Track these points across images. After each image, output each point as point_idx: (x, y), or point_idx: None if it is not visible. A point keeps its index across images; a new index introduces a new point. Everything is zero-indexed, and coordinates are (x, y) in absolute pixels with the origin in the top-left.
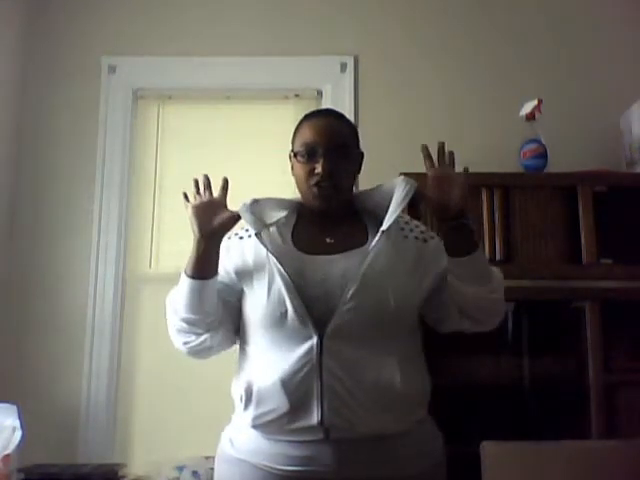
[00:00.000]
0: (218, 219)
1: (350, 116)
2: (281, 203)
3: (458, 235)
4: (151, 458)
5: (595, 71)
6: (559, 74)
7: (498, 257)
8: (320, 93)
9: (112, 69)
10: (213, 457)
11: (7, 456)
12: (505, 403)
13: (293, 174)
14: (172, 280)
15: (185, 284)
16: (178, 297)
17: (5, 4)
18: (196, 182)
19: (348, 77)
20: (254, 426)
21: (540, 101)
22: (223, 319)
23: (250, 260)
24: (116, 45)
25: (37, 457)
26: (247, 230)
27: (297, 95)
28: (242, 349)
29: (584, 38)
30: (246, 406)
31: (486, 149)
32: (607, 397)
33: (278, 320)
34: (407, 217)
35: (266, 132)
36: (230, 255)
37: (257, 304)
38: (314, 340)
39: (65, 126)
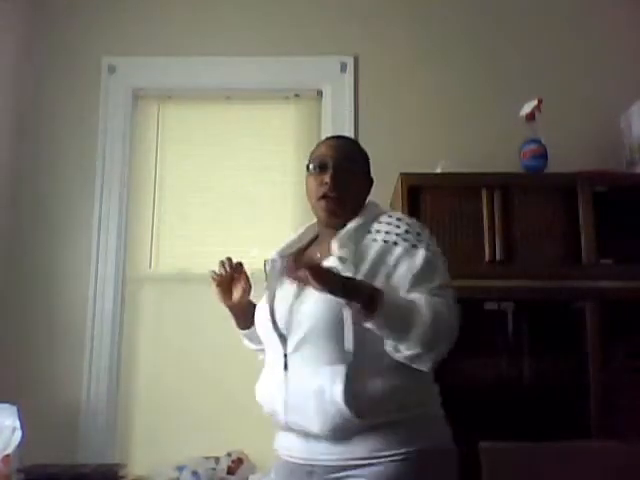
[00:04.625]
0: (235, 294)
1: (350, 116)
2: (303, 236)
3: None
4: (151, 458)
5: (595, 71)
6: (559, 74)
7: (498, 257)
8: (320, 93)
9: (112, 69)
10: (213, 457)
11: (7, 456)
12: (505, 403)
13: (307, 193)
14: (172, 280)
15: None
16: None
17: (5, 4)
18: (221, 263)
19: (348, 77)
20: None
21: (540, 101)
22: None
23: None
24: (116, 45)
25: (37, 457)
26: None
27: (297, 95)
28: None
29: (584, 38)
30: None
31: (486, 149)
32: (607, 397)
33: (262, 335)
34: (395, 218)
35: (266, 132)
36: None
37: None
38: (282, 357)
39: (65, 126)
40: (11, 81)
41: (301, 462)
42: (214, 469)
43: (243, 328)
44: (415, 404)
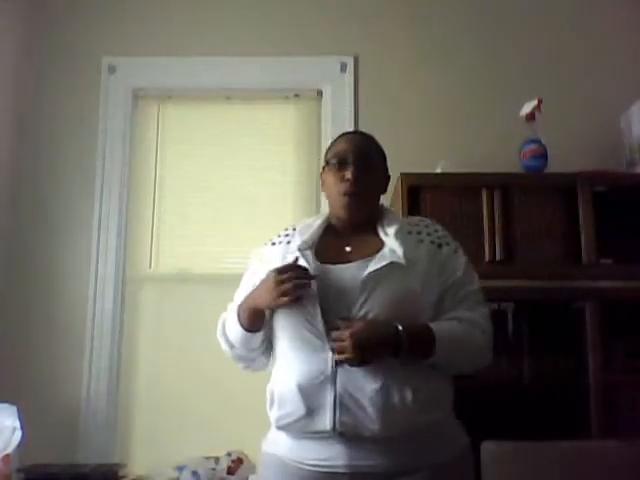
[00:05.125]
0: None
1: (350, 116)
2: (314, 224)
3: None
4: (151, 458)
5: (595, 71)
6: (559, 74)
7: (498, 257)
8: (320, 93)
9: (112, 69)
10: (213, 457)
11: (7, 456)
12: (505, 403)
13: (324, 188)
14: (172, 280)
15: (239, 330)
16: (232, 335)
17: (6, 4)
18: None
19: (348, 77)
20: (278, 426)
21: (540, 101)
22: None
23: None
24: (116, 45)
25: (37, 457)
26: (279, 236)
27: (297, 95)
28: (273, 351)
29: (584, 38)
30: (271, 407)
31: (486, 149)
32: (607, 397)
33: (297, 330)
34: (427, 221)
35: (266, 132)
36: (263, 265)
37: (281, 312)
38: (329, 353)
39: (65, 126)
40: (11, 81)
41: (340, 471)
42: (214, 469)
43: (256, 329)
44: (451, 404)
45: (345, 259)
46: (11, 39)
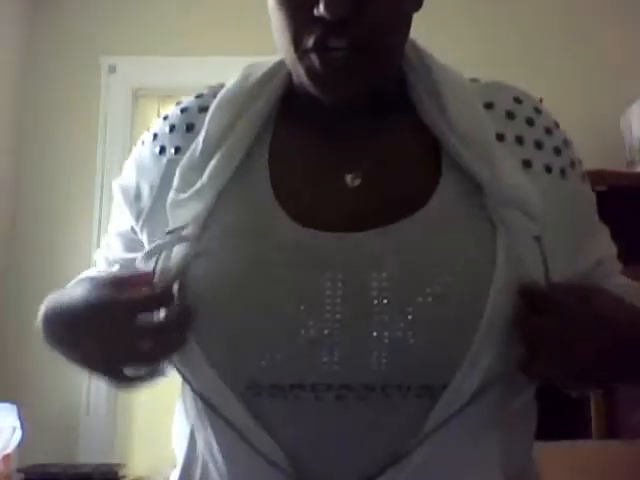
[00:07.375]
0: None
1: None
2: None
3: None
4: (151, 458)
5: (595, 71)
6: (559, 74)
7: None
8: None
9: (112, 69)
10: None
11: (7, 456)
12: None
13: (276, 35)
14: None
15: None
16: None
17: (5, 4)
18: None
19: None
20: None
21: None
22: None
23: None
24: (116, 45)
25: (37, 457)
26: (183, 110)
27: None
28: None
29: (584, 38)
30: None
31: None
32: (607, 397)
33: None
34: (531, 102)
35: None
36: (137, 203)
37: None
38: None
39: (65, 126)
40: (11, 81)
41: None
42: None
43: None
44: None
45: (346, 206)
46: (11, 39)
